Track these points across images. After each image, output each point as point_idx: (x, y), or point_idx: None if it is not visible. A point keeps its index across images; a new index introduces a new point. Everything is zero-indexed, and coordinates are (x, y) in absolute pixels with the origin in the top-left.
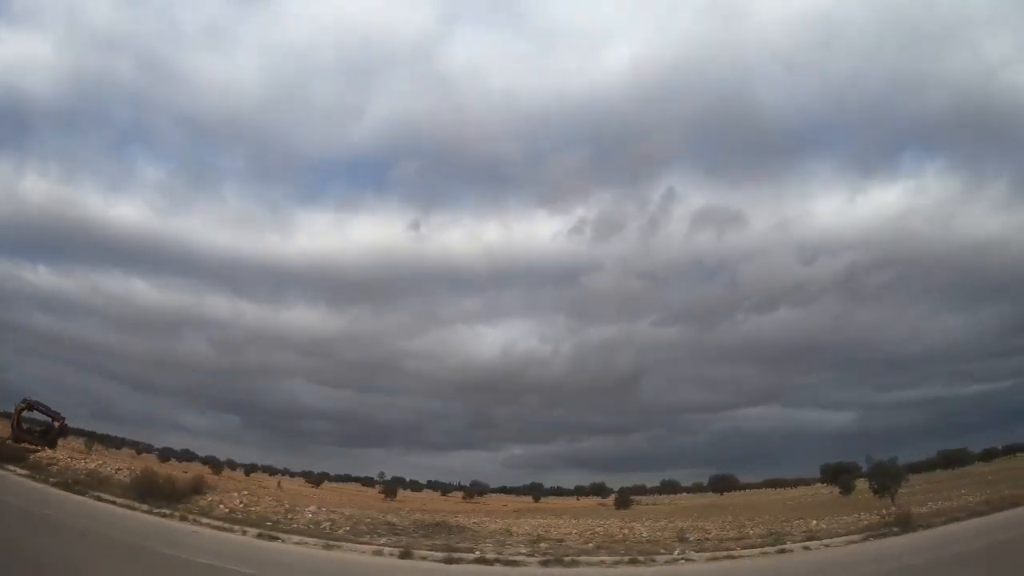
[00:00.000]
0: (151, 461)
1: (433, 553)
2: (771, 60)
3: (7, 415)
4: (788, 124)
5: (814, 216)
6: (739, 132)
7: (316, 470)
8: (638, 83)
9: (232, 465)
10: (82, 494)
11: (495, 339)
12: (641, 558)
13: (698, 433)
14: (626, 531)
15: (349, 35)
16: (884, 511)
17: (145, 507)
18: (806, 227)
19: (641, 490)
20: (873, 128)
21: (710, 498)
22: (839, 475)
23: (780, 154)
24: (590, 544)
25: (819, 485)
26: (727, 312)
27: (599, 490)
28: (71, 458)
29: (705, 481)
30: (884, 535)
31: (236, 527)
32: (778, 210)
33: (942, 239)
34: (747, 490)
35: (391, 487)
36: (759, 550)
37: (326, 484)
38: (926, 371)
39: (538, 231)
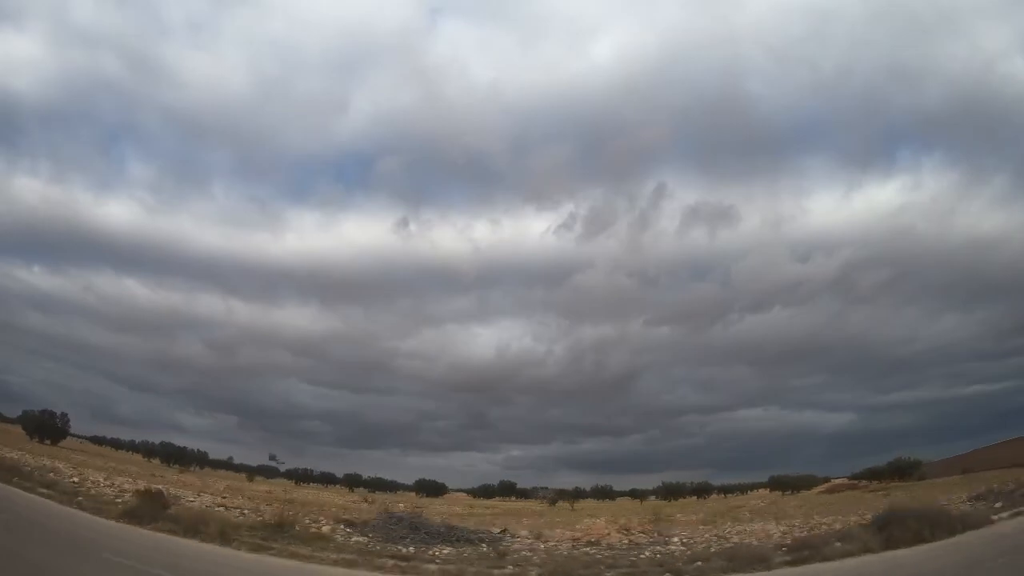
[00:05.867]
0: None
1: None
2: (763, 52)
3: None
4: (780, 118)
5: (808, 213)
6: (730, 126)
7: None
8: (626, 76)
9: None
10: None
11: (488, 339)
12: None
13: (695, 435)
14: None
15: (333, 28)
16: None
17: None
18: (800, 224)
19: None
20: (868, 122)
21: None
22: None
23: (772, 149)
24: None
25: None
26: (720, 311)
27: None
28: None
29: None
30: None
31: None
32: (771, 206)
33: (939, 236)
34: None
35: None
36: None
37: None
38: (924, 372)
39: (527, 228)
